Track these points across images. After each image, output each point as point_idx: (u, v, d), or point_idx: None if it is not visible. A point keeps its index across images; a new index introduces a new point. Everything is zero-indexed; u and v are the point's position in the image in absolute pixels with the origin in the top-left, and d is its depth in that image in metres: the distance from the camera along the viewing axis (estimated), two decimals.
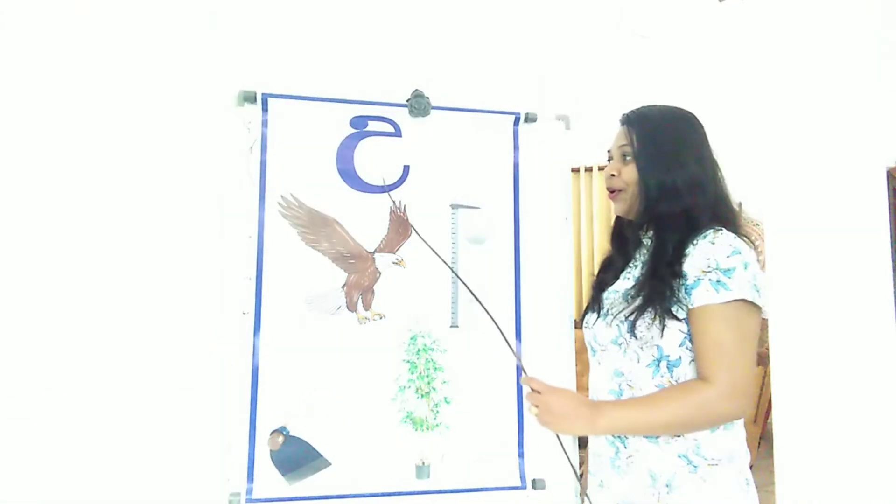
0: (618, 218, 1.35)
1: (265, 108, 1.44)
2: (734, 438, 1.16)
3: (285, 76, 1.48)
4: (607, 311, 1.24)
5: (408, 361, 1.44)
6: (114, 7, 1.41)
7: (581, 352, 1.44)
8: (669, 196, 1.20)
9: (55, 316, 1.33)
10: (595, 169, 3.97)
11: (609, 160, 1.30)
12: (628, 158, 1.25)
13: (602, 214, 4.38)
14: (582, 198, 4.04)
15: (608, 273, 1.33)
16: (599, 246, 4.29)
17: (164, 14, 1.44)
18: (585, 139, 1.68)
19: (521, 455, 1.46)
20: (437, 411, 1.44)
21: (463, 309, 1.49)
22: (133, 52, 1.41)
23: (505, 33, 1.65)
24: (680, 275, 1.14)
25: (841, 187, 2.00)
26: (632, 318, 1.16)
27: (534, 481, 1.45)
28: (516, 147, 1.57)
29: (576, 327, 1.55)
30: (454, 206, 1.51)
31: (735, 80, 3.05)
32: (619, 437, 1.19)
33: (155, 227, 1.40)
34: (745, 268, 1.11)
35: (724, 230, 1.16)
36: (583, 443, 1.49)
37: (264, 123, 1.44)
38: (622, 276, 1.28)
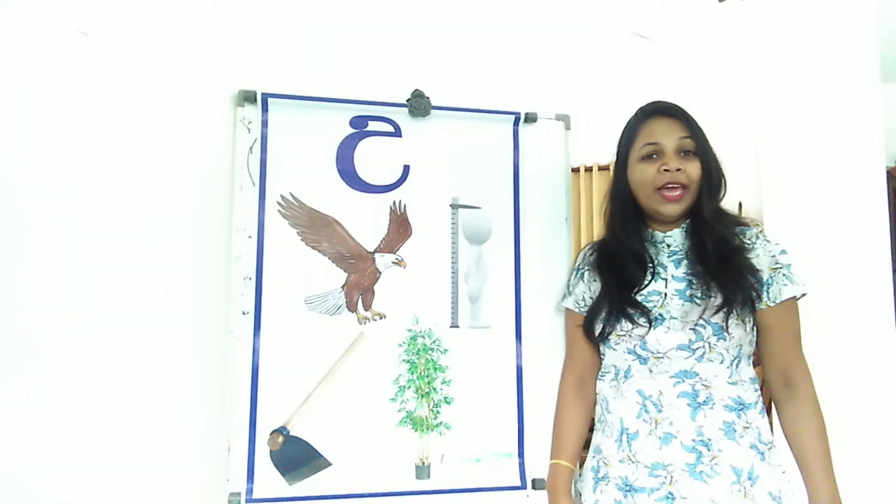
0: (617, 226, 1.33)
1: (265, 108, 1.44)
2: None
3: (285, 76, 1.48)
4: (662, 315, 1.20)
5: (408, 361, 1.44)
6: (114, 7, 1.41)
7: None
8: (722, 189, 1.23)
9: (52, 317, 1.33)
10: (595, 169, 3.96)
11: (650, 155, 1.23)
12: (687, 153, 1.20)
13: (602, 214, 4.34)
14: (582, 198, 4.03)
15: (623, 280, 1.28)
16: None
17: (164, 14, 1.44)
18: (585, 139, 1.67)
19: (521, 455, 1.46)
20: (438, 411, 1.44)
21: (463, 309, 1.49)
22: (133, 51, 1.41)
23: (505, 33, 1.65)
24: (755, 268, 1.17)
25: (841, 187, 2.00)
26: (720, 315, 1.15)
27: (534, 481, 1.45)
28: (516, 147, 1.57)
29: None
30: (454, 206, 1.51)
31: (735, 80, 3.05)
32: (701, 440, 1.16)
33: (154, 227, 1.40)
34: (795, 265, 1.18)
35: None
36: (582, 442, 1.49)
37: (264, 123, 1.44)
38: (655, 279, 1.25)
